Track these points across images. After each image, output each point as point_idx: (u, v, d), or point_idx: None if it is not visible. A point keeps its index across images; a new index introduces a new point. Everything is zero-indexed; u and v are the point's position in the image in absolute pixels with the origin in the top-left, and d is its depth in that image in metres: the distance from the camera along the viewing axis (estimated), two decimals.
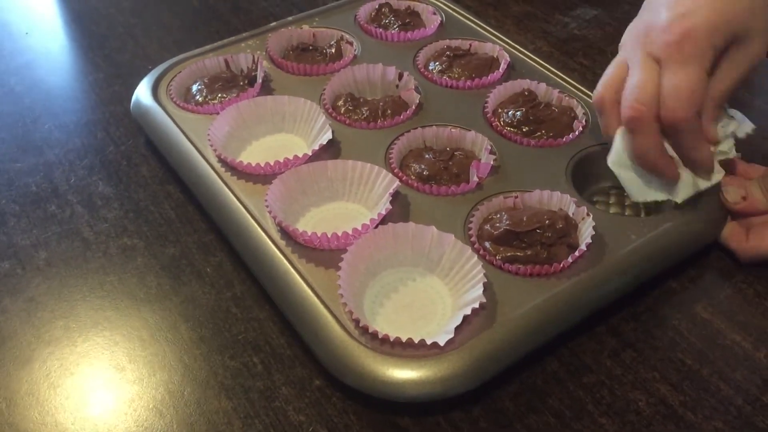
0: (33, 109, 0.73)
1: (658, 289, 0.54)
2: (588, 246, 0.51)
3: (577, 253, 0.51)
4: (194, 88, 0.67)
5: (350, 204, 0.58)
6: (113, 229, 0.60)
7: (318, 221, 0.56)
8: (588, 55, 0.78)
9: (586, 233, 0.53)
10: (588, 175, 0.60)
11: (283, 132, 0.64)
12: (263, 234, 0.53)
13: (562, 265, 0.51)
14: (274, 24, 0.75)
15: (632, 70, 0.52)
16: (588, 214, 0.53)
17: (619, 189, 0.60)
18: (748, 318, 0.52)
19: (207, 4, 0.88)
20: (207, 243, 0.58)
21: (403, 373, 0.45)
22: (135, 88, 0.68)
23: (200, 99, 0.66)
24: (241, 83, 0.67)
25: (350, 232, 0.52)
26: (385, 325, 0.49)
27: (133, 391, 0.48)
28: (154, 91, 0.67)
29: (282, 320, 0.52)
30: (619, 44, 0.56)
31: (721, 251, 0.56)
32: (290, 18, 0.75)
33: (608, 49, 0.78)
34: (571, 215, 0.54)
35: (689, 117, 0.50)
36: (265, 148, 0.63)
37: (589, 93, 0.65)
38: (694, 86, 0.49)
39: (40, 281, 0.56)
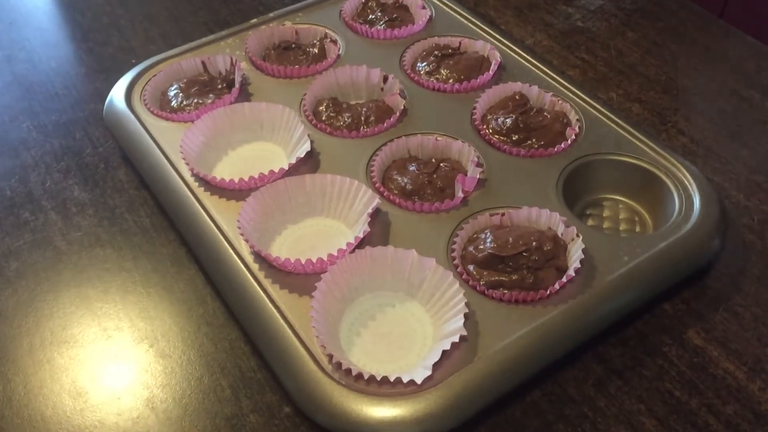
0: (12, 107, 0.71)
1: (649, 312, 0.51)
2: (577, 270, 0.49)
3: (565, 279, 0.49)
4: (170, 92, 0.64)
5: (329, 220, 0.55)
6: (86, 239, 0.58)
7: (296, 239, 0.54)
8: (590, 50, 0.74)
9: (575, 255, 0.50)
10: (581, 186, 0.57)
11: (262, 140, 0.61)
12: (235, 257, 0.51)
13: (549, 291, 0.48)
14: (254, 21, 0.71)
15: None
16: (578, 235, 0.51)
17: (613, 201, 0.58)
18: (743, 345, 0.49)
19: None
20: (181, 255, 0.56)
21: (378, 412, 0.43)
22: (117, 83, 0.66)
23: (175, 105, 0.63)
24: (219, 86, 0.64)
25: (325, 258, 0.49)
26: (361, 356, 0.47)
27: (94, 417, 0.47)
28: (128, 95, 0.64)
29: (254, 341, 0.50)
30: None
31: (718, 270, 0.53)
32: (271, 14, 0.72)
33: (611, 44, 0.74)
34: (560, 235, 0.52)
35: None
36: (242, 157, 0.60)
37: (585, 96, 0.62)
38: None
39: (10, 294, 0.54)
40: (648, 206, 0.57)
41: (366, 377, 0.44)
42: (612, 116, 0.61)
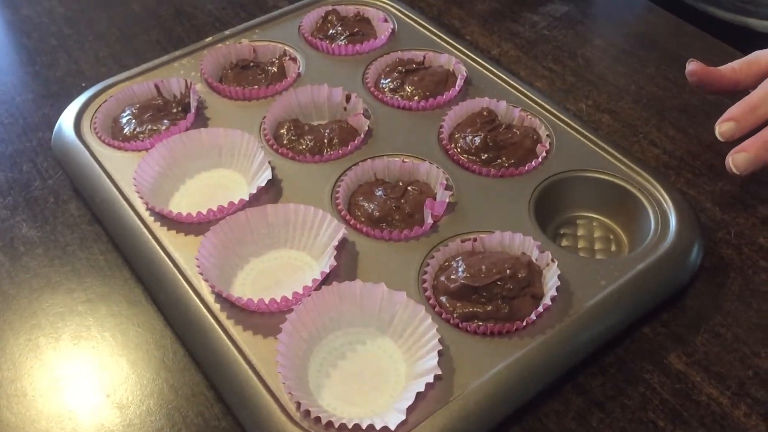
0: None
1: (629, 337, 0.50)
2: (553, 298, 0.47)
3: (541, 308, 0.47)
4: (122, 118, 0.61)
5: (293, 252, 0.52)
6: (36, 281, 0.54)
7: (259, 273, 0.51)
8: (557, 59, 0.72)
9: (551, 282, 0.48)
10: (553, 205, 0.56)
11: (221, 167, 0.58)
12: (195, 297, 0.48)
13: (525, 322, 0.46)
14: (210, 39, 0.68)
15: None
16: (553, 260, 0.49)
17: (587, 218, 0.56)
18: (726, 368, 0.48)
19: (148, 8, 0.81)
20: (138, 294, 0.53)
21: None
22: (65, 110, 0.62)
23: (128, 132, 0.59)
24: (174, 110, 0.61)
25: (290, 296, 0.47)
26: (332, 400, 0.44)
27: None
28: (77, 124, 0.60)
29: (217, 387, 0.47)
30: None
31: (696, 288, 0.52)
32: (227, 32, 0.69)
33: (579, 52, 0.72)
34: (534, 261, 0.50)
35: None
36: (200, 186, 0.57)
37: (554, 110, 0.61)
38: None
39: None
40: (623, 223, 0.55)
41: (337, 425, 0.41)
42: (582, 130, 0.59)
